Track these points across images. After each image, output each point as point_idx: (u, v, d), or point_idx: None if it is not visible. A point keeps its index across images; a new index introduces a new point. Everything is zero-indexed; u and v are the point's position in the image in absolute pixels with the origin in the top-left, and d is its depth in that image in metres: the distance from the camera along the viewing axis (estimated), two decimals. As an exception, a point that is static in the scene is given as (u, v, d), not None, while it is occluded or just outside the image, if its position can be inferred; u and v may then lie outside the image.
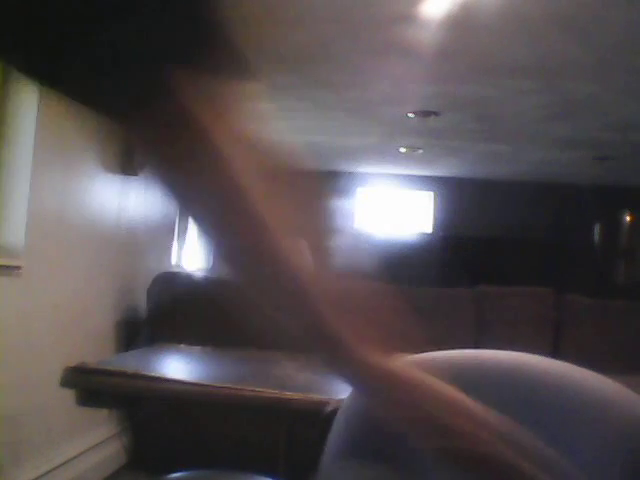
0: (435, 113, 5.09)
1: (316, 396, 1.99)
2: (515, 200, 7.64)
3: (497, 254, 7.49)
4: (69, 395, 2.06)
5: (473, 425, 0.57)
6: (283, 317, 0.64)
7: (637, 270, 7.30)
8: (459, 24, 3.35)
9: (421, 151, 6.54)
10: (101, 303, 3.63)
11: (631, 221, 7.38)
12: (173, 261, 5.19)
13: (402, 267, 7.47)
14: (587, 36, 3.47)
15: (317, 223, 0.67)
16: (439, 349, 0.80)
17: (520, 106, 4.82)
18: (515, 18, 3.27)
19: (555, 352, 4.00)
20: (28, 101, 2.87)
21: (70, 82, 0.56)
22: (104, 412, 3.29)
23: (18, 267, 2.77)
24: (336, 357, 0.61)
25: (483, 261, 7.39)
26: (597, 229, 7.59)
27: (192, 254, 5.79)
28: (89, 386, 2.11)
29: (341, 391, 2.36)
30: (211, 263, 6.37)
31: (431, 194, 7.91)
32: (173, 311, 3.91)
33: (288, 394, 2.02)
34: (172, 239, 5.15)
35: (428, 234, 7.90)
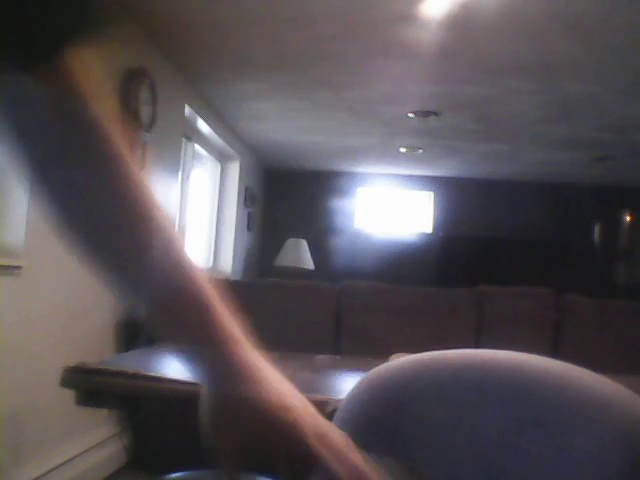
0: (435, 113, 5.08)
1: (316, 396, 1.99)
2: (515, 200, 7.64)
3: (497, 254, 7.48)
4: (69, 395, 2.06)
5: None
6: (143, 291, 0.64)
7: (637, 270, 7.29)
8: (459, 24, 3.35)
9: (421, 151, 6.54)
10: (101, 303, 3.63)
11: (631, 221, 7.38)
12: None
13: (402, 267, 7.48)
14: (587, 36, 3.47)
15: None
16: (439, 349, 0.80)
17: (520, 106, 4.82)
18: (515, 18, 3.27)
19: (555, 352, 4.00)
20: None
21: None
22: (104, 412, 3.29)
23: (18, 267, 2.77)
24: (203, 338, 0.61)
25: (483, 261, 7.39)
26: (597, 229, 7.58)
27: (192, 253, 5.78)
28: (89, 386, 2.11)
29: (341, 391, 2.35)
30: (212, 263, 6.38)
31: (431, 194, 7.91)
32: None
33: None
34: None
35: (428, 234, 7.89)
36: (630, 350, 4.02)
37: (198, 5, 3.42)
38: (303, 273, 6.86)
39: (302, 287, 4.57)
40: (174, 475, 0.92)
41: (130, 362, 2.50)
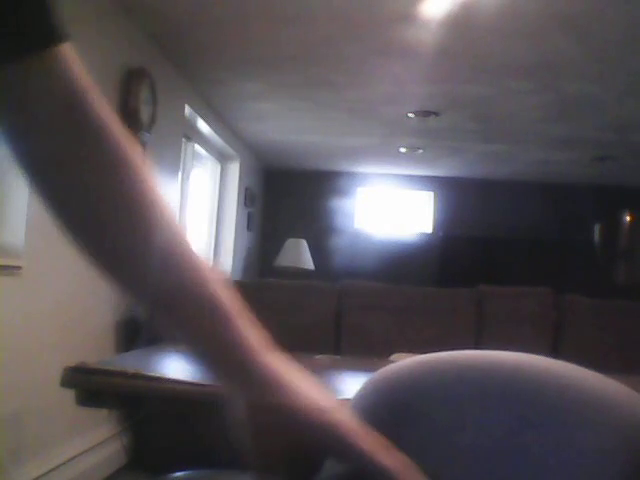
0: (435, 113, 5.09)
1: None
2: (515, 200, 7.64)
3: (497, 254, 7.48)
4: (69, 395, 2.06)
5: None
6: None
7: (637, 270, 7.29)
8: (459, 24, 3.35)
9: (421, 151, 6.54)
10: (101, 303, 3.63)
11: (631, 221, 7.38)
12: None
13: (402, 267, 7.48)
14: (587, 36, 3.47)
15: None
16: (439, 349, 0.80)
17: (520, 106, 4.82)
18: (515, 18, 3.27)
19: (555, 352, 4.00)
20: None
21: None
22: (104, 412, 3.29)
23: (18, 267, 2.77)
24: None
25: (483, 261, 7.38)
26: (597, 229, 7.58)
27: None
28: (89, 386, 2.11)
29: (341, 391, 2.36)
30: (212, 263, 6.38)
31: (431, 194, 7.91)
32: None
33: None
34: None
35: (428, 234, 7.89)
36: (630, 350, 4.02)
37: (198, 5, 3.42)
38: (303, 273, 6.86)
39: (302, 287, 4.58)
40: (174, 475, 0.92)
41: (130, 362, 2.49)
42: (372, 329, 4.15)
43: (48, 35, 0.59)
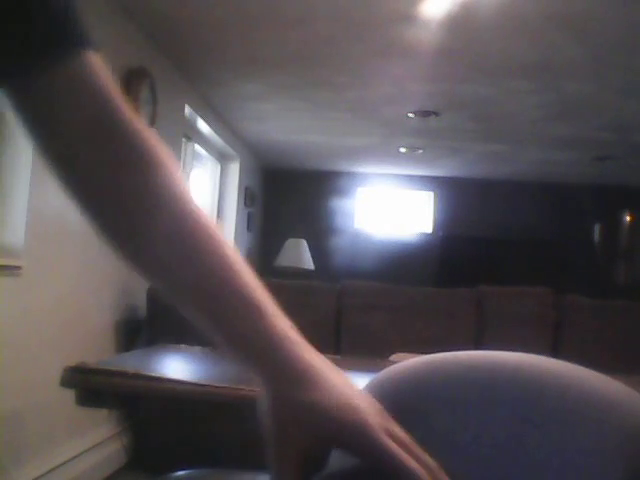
0: (435, 113, 5.09)
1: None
2: (515, 200, 7.64)
3: (497, 254, 7.48)
4: (69, 395, 2.06)
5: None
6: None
7: (637, 270, 7.29)
8: (459, 24, 3.35)
9: (421, 151, 6.54)
10: (101, 303, 3.63)
11: (631, 221, 7.38)
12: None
13: (402, 267, 7.48)
14: (587, 36, 3.47)
15: None
16: (439, 349, 0.80)
17: (520, 106, 4.82)
18: (515, 18, 3.27)
19: (555, 352, 4.00)
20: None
21: None
22: (104, 412, 3.29)
23: (18, 267, 2.77)
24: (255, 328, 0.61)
25: (483, 261, 7.39)
26: (597, 229, 7.58)
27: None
28: (89, 386, 2.12)
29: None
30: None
31: (431, 194, 7.91)
32: (173, 311, 3.90)
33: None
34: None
35: (428, 234, 7.89)
36: (630, 350, 4.02)
37: (198, 5, 3.42)
38: (303, 273, 6.86)
39: (302, 287, 4.57)
40: (174, 475, 0.92)
41: (130, 362, 2.49)
42: (372, 329, 4.15)
43: (74, 42, 0.60)
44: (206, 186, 6.18)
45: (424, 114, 5.10)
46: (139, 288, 4.03)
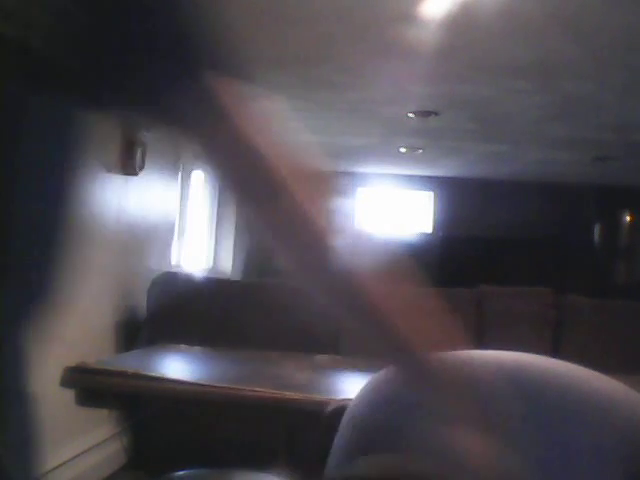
0: (435, 113, 5.08)
1: (316, 396, 1.99)
2: (515, 200, 7.64)
3: (497, 254, 7.49)
4: (69, 395, 2.06)
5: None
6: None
7: (637, 270, 7.30)
8: (459, 24, 3.35)
9: (421, 151, 6.54)
10: (101, 303, 3.63)
11: (631, 221, 7.38)
12: (173, 261, 5.19)
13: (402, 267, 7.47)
14: (586, 36, 3.47)
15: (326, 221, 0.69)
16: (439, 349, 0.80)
17: (520, 106, 4.82)
18: (515, 18, 3.27)
19: (555, 352, 4.00)
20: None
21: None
22: (104, 412, 3.29)
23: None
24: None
25: (483, 261, 7.39)
26: (597, 229, 7.58)
27: (192, 254, 5.79)
28: (89, 386, 2.12)
29: (341, 391, 2.36)
30: (212, 263, 6.38)
31: (431, 194, 7.91)
32: (173, 311, 3.91)
33: (288, 394, 2.02)
34: (172, 239, 5.15)
35: (428, 234, 7.89)
36: (630, 350, 4.02)
37: (198, 5, 3.42)
38: (303, 273, 6.85)
39: (302, 287, 4.57)
40: (174, 475, 0.93)
41: (130, 362, 2.50)
42: (372, 329, 4.15)
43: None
44: (206, 186, 6.17)
45: (424, 114, 5.10)
46: (139, 289, 4.03)
